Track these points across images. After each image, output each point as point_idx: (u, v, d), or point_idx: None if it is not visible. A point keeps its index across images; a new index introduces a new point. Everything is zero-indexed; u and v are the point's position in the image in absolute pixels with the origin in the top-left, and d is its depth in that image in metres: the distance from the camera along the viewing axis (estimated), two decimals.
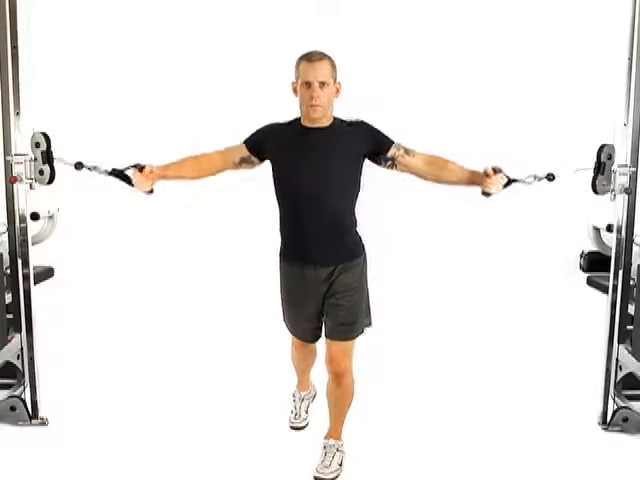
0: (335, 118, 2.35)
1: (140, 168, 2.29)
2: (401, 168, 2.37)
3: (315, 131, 2.30)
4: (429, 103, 5.92)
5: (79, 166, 2.43)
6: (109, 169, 2.38)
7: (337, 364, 2.38)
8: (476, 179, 2.36)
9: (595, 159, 2.68)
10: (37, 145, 2.61)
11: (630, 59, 2.67)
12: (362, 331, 2.44)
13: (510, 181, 2.40)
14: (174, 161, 2.39)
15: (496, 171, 2.32)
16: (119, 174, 2.36)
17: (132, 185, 2.35)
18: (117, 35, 5.89)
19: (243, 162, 2.39)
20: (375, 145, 2.33)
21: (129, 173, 2.35)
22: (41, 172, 2.63)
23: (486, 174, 2.32)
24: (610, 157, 2.67)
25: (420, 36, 5.96)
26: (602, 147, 2.68)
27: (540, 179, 2.48)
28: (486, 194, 2.38)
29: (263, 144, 2.36)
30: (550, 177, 2.49)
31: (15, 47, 2.65)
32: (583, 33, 5.64)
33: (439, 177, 2.38)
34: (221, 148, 2.41)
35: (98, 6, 5.89)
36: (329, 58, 2.27)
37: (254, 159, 2.38)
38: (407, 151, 2.35)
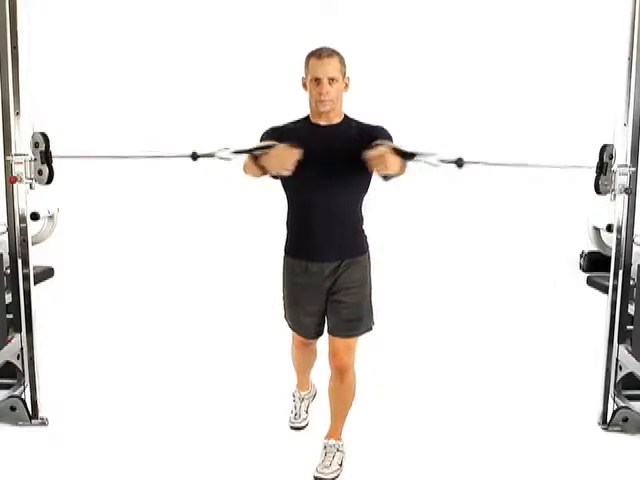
0: (348, 117, 2.35)
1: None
2: None
3: (325, 128, 2.31)
4: (430, 102, 5.94)
5: (195, 156, 2.37)
6: (233, 149, 2.25)
7: (340, 359, 2.39)
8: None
9: (597, 159, 2.68)
10: (36, 145, 2.62)
11: (630, 59, 2.66)
12: (368, 329, 2.43)
13: (407, 154, 2.13)
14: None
15: (378, 144, 2.10)
16: (251, 150, 2.20)
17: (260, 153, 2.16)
18: (118, 34, 5.90)
19: None
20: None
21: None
22: (40, 172, 2.64)
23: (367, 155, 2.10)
24: (612, 157, 2.66)
25: (422, 34, 5.99)
26: (604, 147, 2.68)
27: (448, 162, 2.24)
28: (385, 177, 2.18)
29: (280, 140, 2.26)
30: (459, 162, 2.26)
31: (15, 47, 2.65)
32: (583, 33, 5.64)
33: None
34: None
35: (98, 5, 5.90)
36: (338, 54, 2.28)
37: None
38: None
